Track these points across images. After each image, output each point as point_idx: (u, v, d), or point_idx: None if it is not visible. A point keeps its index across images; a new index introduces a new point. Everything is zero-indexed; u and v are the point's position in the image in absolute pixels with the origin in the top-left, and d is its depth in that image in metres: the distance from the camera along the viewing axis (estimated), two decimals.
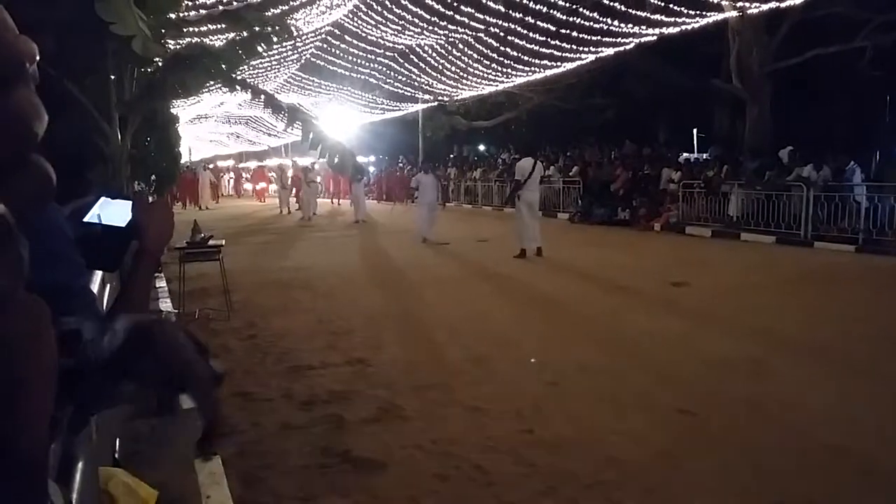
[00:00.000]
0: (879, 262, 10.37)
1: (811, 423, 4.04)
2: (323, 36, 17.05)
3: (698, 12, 13.30)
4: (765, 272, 9.64)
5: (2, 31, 0.50)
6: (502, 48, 17.12)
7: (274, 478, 3.41)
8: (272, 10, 9.40)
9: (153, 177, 8.13)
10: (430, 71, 20.12)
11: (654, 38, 14.55)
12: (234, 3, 8.71)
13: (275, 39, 7.13)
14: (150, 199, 5.91)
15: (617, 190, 17.06)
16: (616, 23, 14.13)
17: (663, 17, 13.45)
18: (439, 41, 17.80)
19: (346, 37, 17.54)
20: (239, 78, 7.74)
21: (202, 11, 8.50)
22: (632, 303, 7.59)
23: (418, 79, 21.22)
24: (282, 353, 5.69)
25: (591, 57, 16.75)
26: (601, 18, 14.08)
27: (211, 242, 7.30)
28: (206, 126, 29.77)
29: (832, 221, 12.38)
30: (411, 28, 16.08)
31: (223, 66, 6.35)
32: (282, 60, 17.48)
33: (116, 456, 2.36)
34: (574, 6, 14.09)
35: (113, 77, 5.93)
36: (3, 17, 0.51)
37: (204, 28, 8.50)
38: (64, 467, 1.02)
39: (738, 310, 7.11)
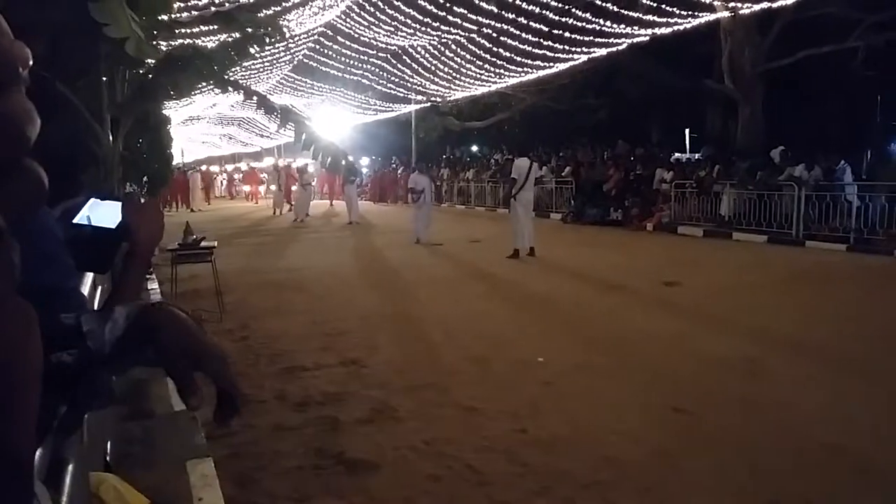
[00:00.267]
0: (870, 262, 10.42)
1: (807, 421, 4.05)
2: (315, 37, 17.00)
3: (690, 13, 13.32)
4: (757, 272, 9.67)
5: None
6: (495, 49, 17.11)
7: (268, 479, 3.39)
8: (264, 12, 9.35)
9: (145, 178, 8.09)
10: (422, 72, 20.09)
11: (647, 38, 14.57)
12: (227, 5, 8.67)
13: (267, 41, 7.10)
14: (142, 200, 5.88)
15: (609, 190, 17.08)
16: (608, 23, 14.13)
17: (655, 18, 13.46)
18: (432, 42, 17.76)
19: (339, 38, 17.49)
20: (231, 79, 7.71)
21: (194, 13, 8.48)
22: (626, 302, 7.59)
23: (411, 79, 21.17)
24: (275, 354, 5.66)
25: (584, 57, 16.77)
26: (593, 19, 14.09)
27: (203, 244, 7.27)
28: (198, 127, 29.65)
29: (824, 221, 12.44)
30: (404, 29, 16.05)
31: (215, 67, 6.33)
32: (274, 61, 17.42)
33: (108, 458, 2.33)
34: (566, 7, 14.10)
35: (105, 79, 5.90)
36: None
37: (196, 29, 8.47)
38: (54, 470, 1.00)
39: (732, 309, 7.12)
